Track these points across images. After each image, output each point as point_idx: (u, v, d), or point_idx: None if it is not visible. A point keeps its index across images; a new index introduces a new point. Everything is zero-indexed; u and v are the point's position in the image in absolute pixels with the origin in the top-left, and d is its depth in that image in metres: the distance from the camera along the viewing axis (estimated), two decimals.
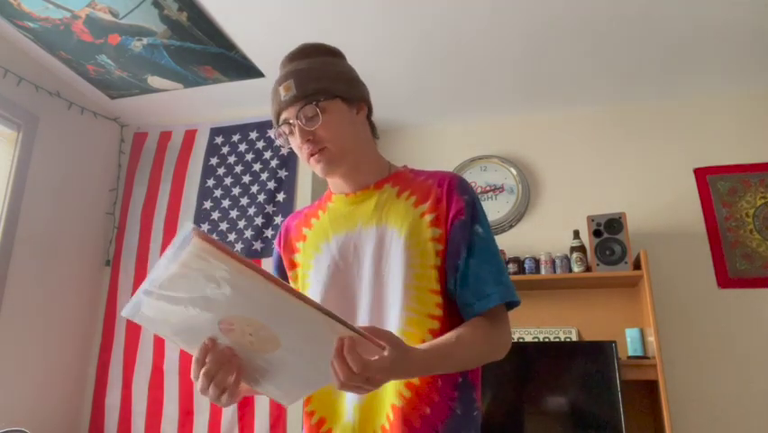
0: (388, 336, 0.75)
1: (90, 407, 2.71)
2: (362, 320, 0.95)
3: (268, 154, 2.87)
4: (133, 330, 2.74)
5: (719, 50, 2.40)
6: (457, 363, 0.89)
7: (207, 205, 2.87)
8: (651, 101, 2.82)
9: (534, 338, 2.55)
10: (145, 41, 2.37)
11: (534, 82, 2.70)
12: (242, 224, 2.78)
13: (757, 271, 2.48)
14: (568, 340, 2.51)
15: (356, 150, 1.03)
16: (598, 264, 2.40)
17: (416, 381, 0.91)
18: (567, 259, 2.51)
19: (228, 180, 2.89)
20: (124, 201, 3.01)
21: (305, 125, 0.98)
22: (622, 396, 2.14)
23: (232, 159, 2.93)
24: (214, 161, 2.95)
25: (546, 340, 2.53)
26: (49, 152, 2.61)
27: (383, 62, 2.51)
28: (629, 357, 2.37)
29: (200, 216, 2.85)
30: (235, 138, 2.96)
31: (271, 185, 2.80)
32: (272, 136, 1.03)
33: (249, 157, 2.90)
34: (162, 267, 0.63)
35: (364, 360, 0.70)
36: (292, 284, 1.09)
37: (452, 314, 0.95)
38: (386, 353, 0.73)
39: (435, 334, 0.91)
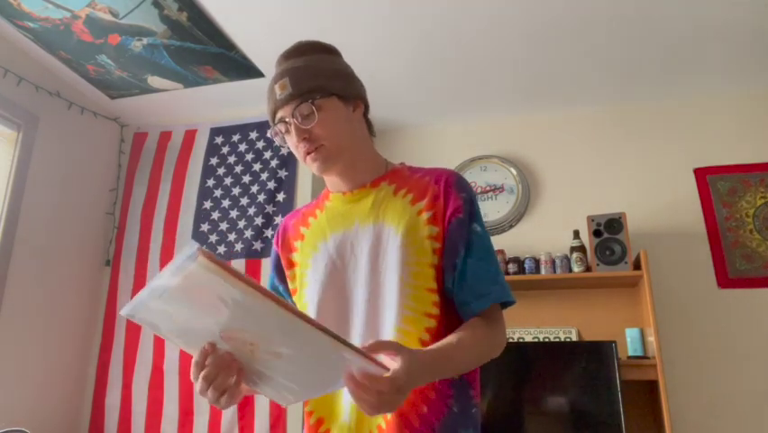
0: (395, 347, 0.75)
1: (90, 407, 2.71)
2: (359, 319, 0.95)
3: (268, 154, 2.87)
4: (133, 330, 2.74)
5: (719, 50, 2.40)
6: (458, 365, 0.88)
7: (207, 205, 2.87)
8: (651, 101, 2.82)
9: (534, 338, 2.55)
10: (145, 41, 2.37)
11: (534, 82, 2.70)
12: (242, 224, 2.78)
13: (757, 271, 2.48)
14: (568, 340, 2.51)
15: (352, 147, 1.03)
16: (598, 264, 2.40)
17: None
18: (567, 259, 2.51)
19: (228, 180, 2.89)
20: (124, 201, 3.01)
21: (300, 124, 0.98)
22: (622, 396, 2.14)
23: (232, 159, 2.93)
24: (214, 161, 2.95)
25: (546, 340, 2.53)
26: (49, 152, 2.61)
27: (383, 62, 2.51)
28: (629, 357, 2.37)
29: (200, 216, 2.85)
30: (235, 138, 2.96)
31: (271, 185, 2.80)
32: (269, 135, 1.01)
33: (249, 157, 2.90)
34: (165, 278, 0.62)
35: (380, 388, 0.70)
36: (290, 283, 1.09)
37: (450, 312, 0.95)
38: (396, 365, 0.73)
39: (432, 332, 0.91)
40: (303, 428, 0.99)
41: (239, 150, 2.93)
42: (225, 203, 2.85)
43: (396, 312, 0.92)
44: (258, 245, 2.72)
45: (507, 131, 3.03)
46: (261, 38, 2.35)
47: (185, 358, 2.61)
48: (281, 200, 2.77)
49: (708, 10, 2.14)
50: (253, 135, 2.94)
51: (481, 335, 0.91)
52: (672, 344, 2.45)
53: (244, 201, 2.82)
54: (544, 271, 2.51)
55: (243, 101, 2.87)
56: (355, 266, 0.98)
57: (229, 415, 2.48)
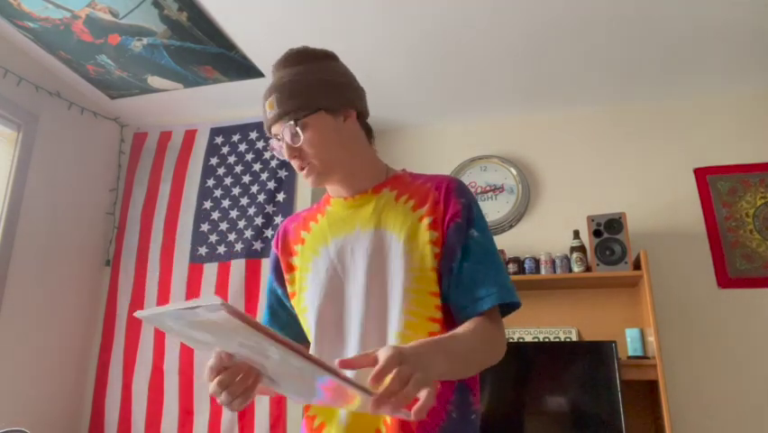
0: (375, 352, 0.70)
1: (90, 407, 2.71)
2: (359, 325, 0.94)
3: (268, 154, 2.87)
4: (133, 330, 2.74)
5: (719, 50, 2.40)
6: (460, 358, 0.84)
7: (207, 205, 2.87)
8: (651, 101, 2.82)
9: (534, 338, 2.55)
10: (145, 41, 2.37)
11: (534, 82, 2.70)
12: (242, 224, 2.78)
13: (757, 271, 2.48)
14: (568, 340, 2.51)
15: (347, 159, 1.03)
16: (598, 264, 2.40)
17: None
18: (567, 259, 2.51)
19: (228, 180, 2.89)
20: (124, 201, 3.01)
21: (290, 142, 0.99)
22: (622, 396, 2.14)
23: (232, 159, 2.93)
24: (214, 161, 2.95)
25: (546, 340, 2.53)
26: (49, 152, 2.61)
27: (383, 62, 2.51)
28: (629, 357, 2.37)
29: (200, 216, 2.85)
30: (235, 138, 2.96)
31: (271, 185, 2.80)
32: (269, 148, 1.02)
33: (249, 157, 2.90)
34: (185, 311, 0.62)
35: (379, 367, 0.66)
36: (289, 287, 1.09)
37: (453, 317, 0.95)
38: (383, 352, 0.68)
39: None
40: (302, 430, 0.99)
41: (239, 150, 2.93)
42: (225, 203, 2.85)
43: (398, 317, 0.92)
44: (258, 245, 2.72)
45: (507, 131, 3.03)
46: (261, 38, 2.35)
47: (185, 358, 2.61)
48: (281, 200, 2.77)
49: (708, 10, 2.14)
50: (253, 135, 2.94)
51: (480, 332, 0.89)
52: (671, 344, 2.45)
53: (244, 201, 2.82)
54: (544, 272, 2.51)
55: (243, 101, 2.87)
56: (356, 272, 0.98)
57: (229, 415, 2.48)
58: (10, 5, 2.16)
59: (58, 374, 2.61)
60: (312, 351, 0.98)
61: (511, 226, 2.86)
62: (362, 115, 1.08)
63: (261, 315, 1.17)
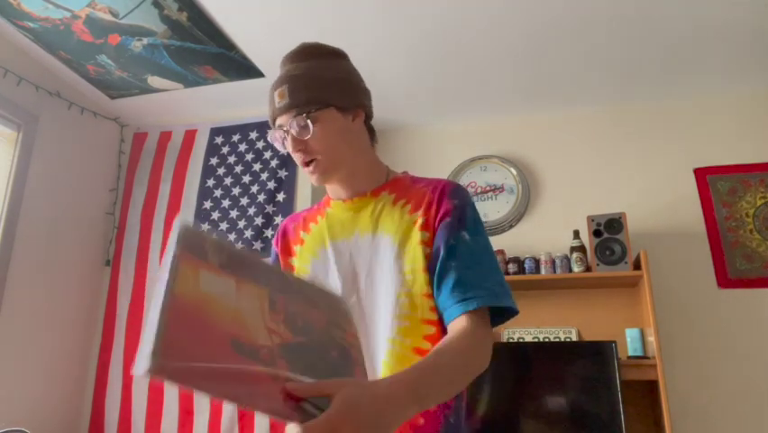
0: (330, 388, 0.62)
1: (90, 407, 2.71)
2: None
3: (268, 154, 2.87)
4: (133, 330, 2.74)
5: (719, 50, 2.40)
6: (446, 377, 0.78)
7: (207, 205, 2.87)
8: (651, 101, 2.82)
9: (534, 338, 2.55)
10: (145, 41, 2.37)
11: (534, 82, 2.70)
12: (242, 224, 2.78)
13: (757, 271, 2.48)
14: (568, 340, 2.51)
15: (351, 158, 1.02)
16: (598, 264, 2.40)
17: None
18: (567, 259, 2.51)
19: (228, 180, 2.89)
20: (124, 201, 3.01)
21: (297, 135, 0.97)
22: (622, 396, 2.14)
23: (232, 159, 2.93)
24: (214, 161, 2.95)
25: (546, 340, 2.53)
26: (49, 152, 2.61)
27: (383, 62, 2.51)
28: (629, 357, 2.37)
29: (200, 216, 2.85)
30: (235, 138, 2.96)
31: (271, 185, 2.80)
32: (269, 139, 1.03)
33: (249, 157, 2.90)
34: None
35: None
36: None
37: None
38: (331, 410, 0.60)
39: (431, 339, 0.90)
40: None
41: (239, 150, 2.93)
42: (225, 203, 2.85)
43: (390, 323, 0.91)
44: (258, 245, 2.72)
45: (507, 131, 3.03)
46: (261, 38, 2.35)
47: None
48: (281, 200, 2.77)
49: (708, 10, 2.14)
50: (253, 135, 2.94)
51: (463, 343, 0.83)
52: (671, 344, 2.45)
53: (244, 201, 2.82)
54: (544, 272, 2.51)
55: (243, 101, 2.87)
56: (354, 276, 0.98)
57: (229, 415, 2.48)
58: (10, 5, 2.16)
59: (58, 374, 2.61)
60: None
61: (511, 226, 2.86)
62: (368, 116, 1.07)
63: None
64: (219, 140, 2.98)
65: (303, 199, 2.74)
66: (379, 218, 1.00)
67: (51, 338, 2.59)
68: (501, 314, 0.92)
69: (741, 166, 2.62)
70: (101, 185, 2.97)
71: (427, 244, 0.94)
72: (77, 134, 2.80)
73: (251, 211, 2.79)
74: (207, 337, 0.58)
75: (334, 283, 0.99)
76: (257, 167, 2.87)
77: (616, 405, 2.14)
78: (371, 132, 1.09)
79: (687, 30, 2.26)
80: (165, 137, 3.08)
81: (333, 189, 1.07)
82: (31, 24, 2.28)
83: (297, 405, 0.61)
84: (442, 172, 2.95)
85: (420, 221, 0.96)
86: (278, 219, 2.75)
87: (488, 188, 2.94)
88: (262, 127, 2.93)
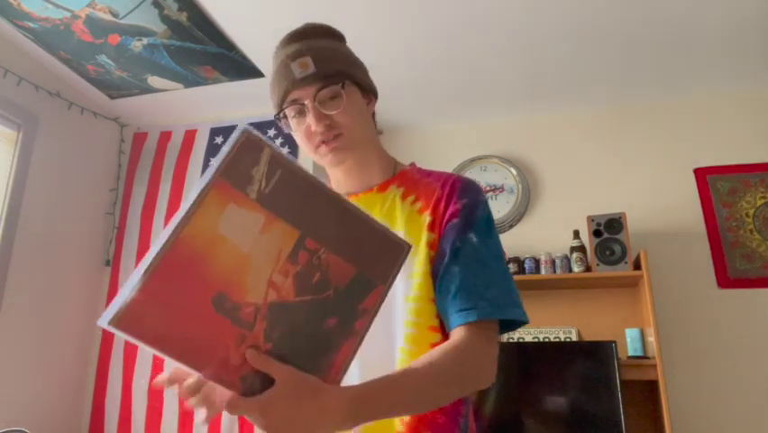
0: (284, 373, 0.62)
1: (90, 407, 2.71)
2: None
3: (214, 160, 2.87)
4: None
5: (720, 50, 2.40)
6: (406, 398, 0.73)
7: None
8: (651, 101, 2.82)
9: (534, 338, 2.55)
10: (145, 41, 2.37)
11: (534, 82, 2.70)
12: None
13: (757, 271, 2.48)
14: (568, 340, 2.51)
15: (367, 143, 0.97)
16: (598, 264, 2.40)
17: None
18: (567, 259, 2.51)
19: None
20: (124, 201, 3.01)
21: (324, 107, 0.89)
22: (622, 396, 2.14)
23: None
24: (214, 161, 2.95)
25: (546, 340, 2.53)
26: (49, 152, 2.61)
27: (383, 62, 2.51)
28: (629, 357, 2.37)
29: None
30: None
31: None
32: (275, 118, 0.96)
33: None
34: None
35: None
36: None
37: None
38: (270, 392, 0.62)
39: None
40: None
41: None
42: None
43: (399, 330, 0.86)
44: None
45: (507, 131, 3.03)
46: (261, 38, 2.35)
47: None
48: None
49: (709, 10, 2.14)
50: None
51: (463, 354, 0.78)
52: (671, 344, 2.45)
53: None
54: (544, 272, 2.51)
55: (243, 101, 2.87)
56: None
57: (229, 415, 2.48)
58: (10, 5, 2.16)
59: (58, 374, 2.61)
60: None
61: (511, 226, 2.86)
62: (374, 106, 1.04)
63: None
64: (219, 140, 2.98)
65: None
66: (387, 216, 0.93)
67: (51, 338, 2.59)
68: (510, 322, 0.87)
69: (741, 166, 2.62)
70: (101, 185, 2.97)
71: (432, 246, 0.88)
72: (77, 134, 2.80)
73: None
74: (190, 291, 0.57)
75: None
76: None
77: (616, 405, 2.14)
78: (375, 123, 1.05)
79: (687, 30, 2.26)
80: (165, 137, 3.08)
81: (339, 182, 1.01)
82: (31, 24, 2.28)
83: (245, 375, 0.61)
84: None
85: (428, 221, 0.90)
86: None
87: (488, 189, 2.94)
88: (262, 127, 2.93)
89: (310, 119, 0.89)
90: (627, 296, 2.55)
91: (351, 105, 0.91)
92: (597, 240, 2.43)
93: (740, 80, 2.65)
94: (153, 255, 0.56)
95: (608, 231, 2.43)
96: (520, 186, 2.88)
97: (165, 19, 2.22)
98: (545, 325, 2.58)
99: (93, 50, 2.46)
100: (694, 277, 2.54)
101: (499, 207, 2.88)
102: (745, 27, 2.25)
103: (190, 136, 3.04)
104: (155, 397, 2.61)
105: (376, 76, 1.08)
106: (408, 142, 3.16)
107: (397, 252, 0.70)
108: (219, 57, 2.49)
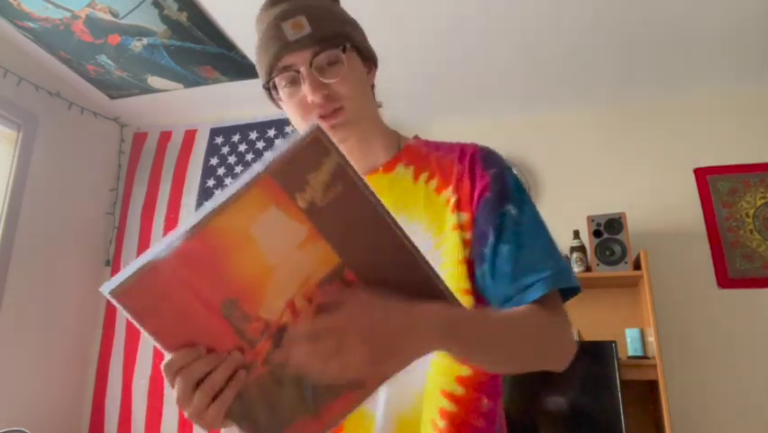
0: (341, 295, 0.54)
1: (90, 407, 2.71)
2: None
3: (268, 154, 2.87)
4: (133, 330, 2.74)
5: (720, 50, 2.40)
6: (500, 339, 0.66)
7: None
8: (651, 101, 2.82)
9: None
10: (145, 41, 2.37)
11: (534, 82, 2.70)
12: None
13: (757, 271, 2.48)
14: None
15: (369, 117, 0.86)
16: (598, 264, 2.40)
17: (452, 407, 0.73)
18: (567, 259, 2.51)
19: (228, 181, 2.89)
20: (124, 201, 3.01)
21: (322, 74, 0.77)
22: (622, 396, 2.14)
23: (232, 159, 2.93)
24: (214, 161, 2.95)
25: None
26: (49, 151, 2.61)
27: (383, 62, 2.51)
28: (629, 357, 2.37)
29: None
30: (235, 138, 2.96)
31: None
32: (264, 88, 0.83)
33: (249, 157, 2.90)
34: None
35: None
36: None
37: None
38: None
39: None
40: None
41: (239, 150, 2.93)
42: None
43: None
44: None
45: (507, 131, 3.03)
46: None
47: None
48: None
49: (709, 10, 2.14)
50: (253, 136, 2.94)
51: (542, 318, 0.71)
52: (671, 344, 2.45)
53: None
54: None
55: (243, 101, 2.87)
56: None
57: None
58: (10, 5, 2.16)
59: (58, 374, 2.61)
60: None
61: None
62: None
63: None
64: (219, 140, 2.98)
65: None
66: (399, 202, 0.80)
67: (51, 338, 2.59)
68: (563, 292, 0.78)
69: (741, 166, 2.62)
70: (101, 185, 2.97)
71: (465, 228, 0.76)
72: (77, 134, 2.80)
73: None
74: (202, 285, 0.53)
75: None
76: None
77: (616, 405, 2.14)
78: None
79: (687, 30, 2.26)
80: (165, 137, 3.08)
81: None
82: (31, 24, 2.28)
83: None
84: None
85: (453, 200, 0.78)
86: None
87: None
88: (262, 127, 2.93)
89: (306, 88, 0.77)
90: (627, 296, 2.54)
91: (352, 73, 0.80)
92: (597, 240, 2.43)
93: (740, 80, 2.65)
94: (175, 236, 0.51)
95: (608, 231, 2.43)
96: None
97: (165, 19, 2.22)
98: None
99: (93, 50, 2.46)
100: (694, 277, 2.53)
101: None
102: (746, 27, 2.25)
103: (190, 136, 3.04)
104: (155, 397, 2.61)
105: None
106: None
107: None
108: (219, 57, 2.49)
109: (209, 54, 2.47)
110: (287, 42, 0.77)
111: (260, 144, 2.91)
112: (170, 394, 2.58)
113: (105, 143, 3.02)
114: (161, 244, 0.52)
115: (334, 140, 0.74)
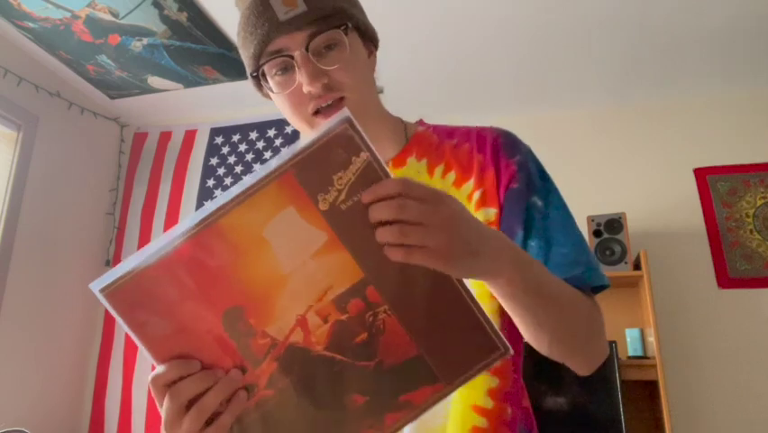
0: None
1: (90, 407, 2.71)
2: None
3: (268, 154, 2.87)
4: None
5: (719, 51, 2.40)
6: (565, 304, 0.62)
7: None
8: (651, 101, 2.82)
9: None
10: (145, 41, 2.37)
11: (534, 82, 2.70)
12: None
13: (757, 271, 2.48)
14: None
15: (374, 107, 0.76)
16: None
17: (482, 422, 0.68)
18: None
19: (228, 181, 2.89)
20: (124, 201, 3.01)
21: (320, 60, 0.67)
22: (622, 396, 2.14)
23: (232, 159, 2.93)
24: (214, 161, 2.95)
25: None
26: (49, 151, 2.61)
27: (384, 62, 2.51)
28: (629, 357, 2.37)
29: None
30: (235, 138, 2.96)
31: None
32: (251, 76, 0.75)
33: (249, 157, 2.90)
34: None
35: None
36: None
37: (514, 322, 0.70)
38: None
39: None
40: None
41: (239, 150, 2.93)
42: None
43: None
44: None
45: None
46: None
47: None
48: None
49: (708, 10, 2.14)
50: (253, 135, 2.94)
51: (591, 305, 0.68)
52: (671, 344, 2.45)
53: None
54: None
55: (243, 101, 2.87)
56: None
57: None
58: (10, 5, 2.16)
59: (58, 374, 2.61)
60: None
61: None
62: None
63: None
64: (219, 140, 2.98)
65: None
66: None
67: (51, 338, 2.59)
68: (593, 289, 0.74)
69: (741, 166, 2.62)
70: (101, 185, 2.97)
71: (493, 224, 0.70)
72: (77, 134, 2.80)
73: None
74: (203, 290, 0.47)
75: None
76: (257, 167, 2.87)
77: (616, 405, 2.13)
78: None
79: (686, 30, 2.26)
80: (165, 137, 3.08)
81: None
82: (31, 24, 2.28)
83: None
84: None
85: (476, 195, 0.71)
86: None
87: None
88: (262, 127, 2.93)
89: (301, 76, 0.66)
90: (627, 296, 2.54)
91: (354, 58, 0.70)
92: (597, 240, 2.43)
93: (740, 81, 2.65)
94: (178, 232, 0.46)
95: (608, 231, 2.43)
96: None
97: (165, 19, 2.22)
98: None
99: (93, 51, 2.46)
100: (694, 277, 2.53)
101: None
102: (745, 28, 2.25)
103: (190, 136, 3.04)
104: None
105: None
106: None
107: (486, 351, 0.51)
108: (219, 57, 2.49)
109: (209, 54, 2.47)
110: (277, 22, 0.66)
111: (260, 144, 2.91)
112: None
113: (105, 143, 3.02)
114: (163, 240, 0.46)
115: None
